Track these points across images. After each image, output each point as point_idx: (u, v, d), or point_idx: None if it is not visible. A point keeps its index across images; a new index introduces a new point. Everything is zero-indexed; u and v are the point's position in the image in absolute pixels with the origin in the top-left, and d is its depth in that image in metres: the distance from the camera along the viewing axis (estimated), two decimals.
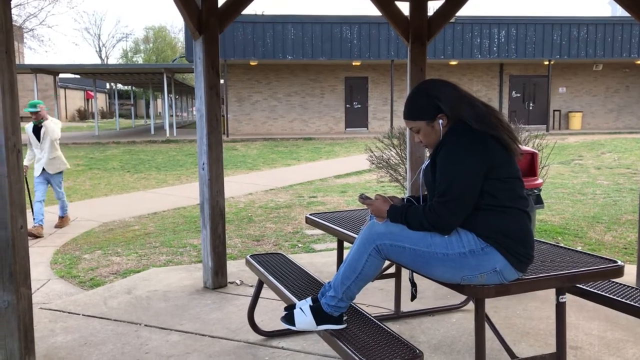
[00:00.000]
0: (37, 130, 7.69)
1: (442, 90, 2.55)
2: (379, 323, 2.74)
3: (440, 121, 2.54)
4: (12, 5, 3.01)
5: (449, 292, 4.47)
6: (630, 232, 6.94)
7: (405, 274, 4.09)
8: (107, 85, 48.96)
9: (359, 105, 27.29)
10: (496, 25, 24.93)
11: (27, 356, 3.11)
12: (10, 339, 3.07)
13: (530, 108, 28.29)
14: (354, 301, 2.77)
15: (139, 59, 64.92)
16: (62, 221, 8.11)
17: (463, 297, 4.28)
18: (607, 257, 2.85)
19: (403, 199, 2.79)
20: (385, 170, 8.49)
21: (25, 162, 7.64)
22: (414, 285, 2.88)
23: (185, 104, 56.03)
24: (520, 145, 2.57)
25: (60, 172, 7.99)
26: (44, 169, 7.73)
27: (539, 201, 4.80)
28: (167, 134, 25.71)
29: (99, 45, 69.76)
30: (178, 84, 37.10)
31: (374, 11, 30.67)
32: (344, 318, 2.74)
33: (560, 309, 2.72)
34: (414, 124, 2.60)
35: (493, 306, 4.16)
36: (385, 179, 8.97)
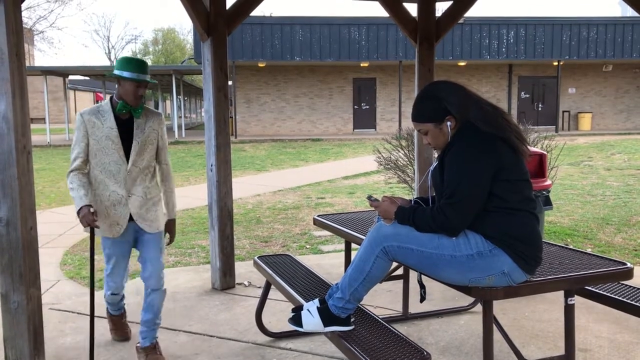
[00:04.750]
0: (126, 125, 3.31)
1: (450, 92, 2.55)
2: (387, 325, 2.74)
3: (449, 123, 2.53)
4: (23, 8, 3.03)
5: (457, 294, 4.46)
6: None
7: (413, 275, 4.08)
8: (116, 87, 49.32)
9: (367, 106, 27.26)
10: (505, 25, 24.83)
11: (37, 356, 3.14)
12: (20, 339, 3.09)
13: (540, 109, 28.14)
14: (361, 303, 2.77)
15: (148, 61, 65.21)
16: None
17: (471, 299, 4.26)
18: (617, 259, 2.83)
19: (410, 200, 2.78)
20: (393, 171, 8.48)
21: (85, 200, 3.16)
22: (422, 287, 2.87)
23: (194, 106, 56.21)
24: (528, 147, 2.56)
25: (161, 232, 3.45)
26: (132, 220, 3.36)
27: (547, 203, 4.77)
28: (176, 135, 25.79)
29: (108, 47, 70.19)
30: (187, 86, 37.22)
31: (381, 12, 30.68)
32: (352, 319, 2.74)
33: (569, 311, 2.71)
34: (422, 126, 2.59)
35: (501, 308, 4.14)
36: (394, 180, 8.96)
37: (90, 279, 3.29)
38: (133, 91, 3.20)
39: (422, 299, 2.91)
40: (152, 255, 3.37)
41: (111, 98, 3.31)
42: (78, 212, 3.11)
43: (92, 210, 3.11)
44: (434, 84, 2.63)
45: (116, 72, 3.22)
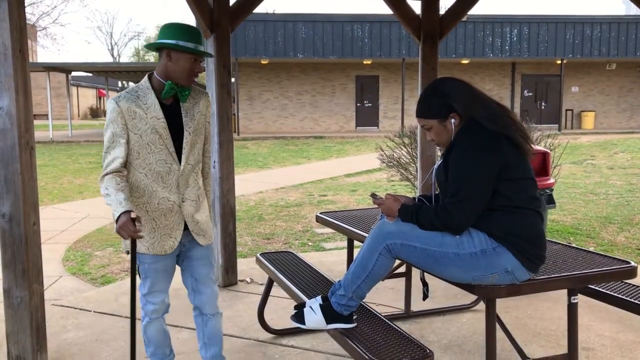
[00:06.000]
0: (172, 112, 2.65)
1: (456, 90, 2.54)
2: (389, 322, 2.73)
3: (453, 120, 2.52)
4: (26, 4, 3.03)
5: (460, 292, 4.45)
6: None
7: (415, 273, 4.08)
8: (119, 84, 49.32)
9: (370, 104, 27.23)
10: (508, 23, 24.77)
11: (39, 352, 3.14)
12: (23, 334, 3.10)
13: (543, 107, 28.08)
14: (364, 300, 2.77)
15: (151, 58, 65.23)
16: None
17: (473, 297, 4.26)
18: (620, 258, 2.83)
19: (414, 198, 2.78)
20: (395, 169, 8.47)
21: (125, 205, 2.45)
22: (425, 284, 2.87)
23: None
24: (533, 146, 2.55)
25: (212, 245, 2.89)
26: (187, 233, 2.76)
27: (550, 201, 4.77)
28: None
29: (111, 43, 70.27)
30: None
31: (385, 10, 30.60)
32: (354, 317, 2.73)
33: (572, 309, 2.70)
34: (426, 122, 2.59)
35: (504, 306, 4.13)
36: (396, 178, 8.95)
37: (131, 301, 2.58)
38: (190, 68, 2.53)
39: (425, 296, 2.91)
40: (207, 275, 2.79)
41: (150, 77, 2.59)
42: (116, 221, 2.41)
43: (133, 216, 2.38)
44: (440, 81, 2.62)
45: (169, 41, 2.48)
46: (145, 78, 2.60)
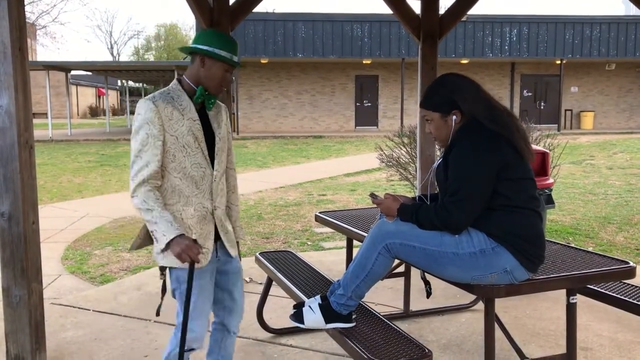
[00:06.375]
0: (202, 116, 2.59)
1: (463, 88, 2.54)
2: (388, 322, 2.73)
3: (454, 117, 2.53)
4: (25, 3, 3.02)
5: (458, 292, 4.46)
6: None
7: (414, 273, 4.08)
8: (119, 83, 49.30)
9: (369, 104, 27.23)
10: (508, 23, 24.77)
11: (38, 351, 3.14)
12: (22, 333, 3.10)
13: (542, 107, 28.09)
14: (363, 300, 2.77)
15: (151, 57, 65.24)
16: None
17: (472, 297, 4.26)
18: (619, 258, 2.83)
19: (414, 197, 2.78)
20: (395, 168, 8.47)
21: (178, 228, 2.40)
22: (427, 283, 2.87)
23: None
24: (532, 152, 2.55)
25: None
26: (221, 244, 2.69)
27: (550, 201, 4.77)
28: None
29: (110, 42, 70.31)
30: None
31: (385, 9, 30.61)
32: (353, 316, 2.74)
33: (571, 309, 2.71)
34: (428, 113, 2.60)
35: (503, 306, 4.14)
36: (395, 178, 8.95)
37: (182, 333, 2.41)
38: (222, 76, 2.50)
39: (428, 294, 2.91)
40: (239, 290, 2.72)
41: (180, 80, 2.56)
42: (169, 244, 2.31)
43: (194, 237, 2.39)
44: (449, 76, 2.61)
45: (205, 47, 2.46)
46: (175, 81, 2.55)
